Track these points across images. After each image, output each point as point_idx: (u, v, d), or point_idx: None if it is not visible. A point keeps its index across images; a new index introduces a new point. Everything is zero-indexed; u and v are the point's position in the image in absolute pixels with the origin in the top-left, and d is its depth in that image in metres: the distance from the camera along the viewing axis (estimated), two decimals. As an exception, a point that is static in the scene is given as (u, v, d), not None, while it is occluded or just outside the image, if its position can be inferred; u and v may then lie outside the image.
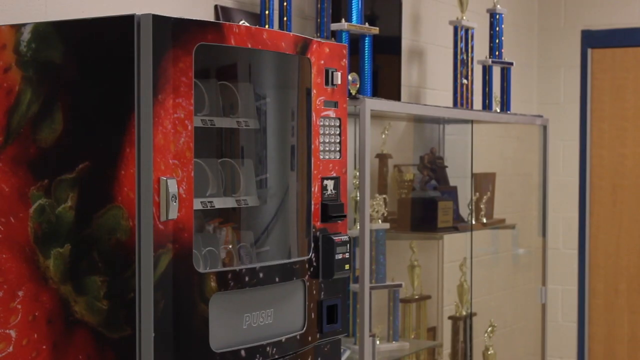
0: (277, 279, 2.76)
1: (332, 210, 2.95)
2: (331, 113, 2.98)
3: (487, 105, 5.09)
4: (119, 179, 2.48)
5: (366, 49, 4.07)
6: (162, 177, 2.44)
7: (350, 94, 3.84)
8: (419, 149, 5.03)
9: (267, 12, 3.69)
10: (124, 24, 2.47)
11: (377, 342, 4.10)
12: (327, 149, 2.96)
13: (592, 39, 6.31)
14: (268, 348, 2.71)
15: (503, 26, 5.19)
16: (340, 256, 2.94)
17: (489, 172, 5.30)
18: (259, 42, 2.71)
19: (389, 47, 4.65)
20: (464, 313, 5.00)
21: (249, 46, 2.68)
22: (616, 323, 6.29)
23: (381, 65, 4.46)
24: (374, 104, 3.88)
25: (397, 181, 4.76)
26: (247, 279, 2.66)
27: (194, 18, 2.55)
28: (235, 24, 2.69)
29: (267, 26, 3.68)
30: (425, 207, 4.77)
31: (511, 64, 5.22)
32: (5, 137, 2.66)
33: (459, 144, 5.07)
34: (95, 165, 2.53)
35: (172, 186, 2.45)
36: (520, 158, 5.74)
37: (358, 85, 3.98)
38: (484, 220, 5.14)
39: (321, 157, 2.94)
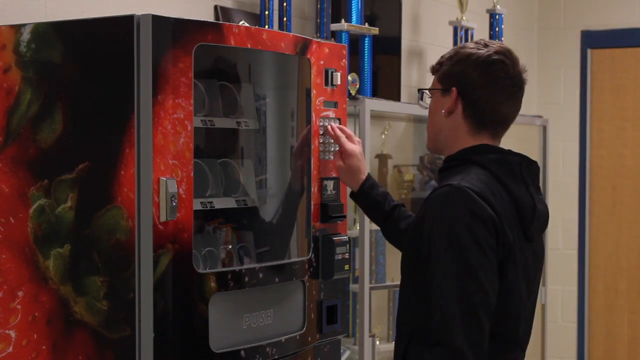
0: (276, 279, 2.76)
1: (332, 211, 2.95)
2: (331, 113, 2.98)
3: (487, 106, 5.09)
4: (118, 179, 2.48)
5: (366, 49, 4.07)
6: (161, 177, 2.44)
7: (350, 94, 3.84)
8: (419, 149, 5.03)
9: (266, 12, 3.69)
10: (124, 24, 2.47)
11: (377, 342, 4.10)
12: (326, 149, 2.96)
13: (592, 40, 6.31)
14: (268, 348, 2.71)
15: (503, 26, 5.19)
16: (340, 256, 2.94)
17: (489, 172, 5.29)
18: (258, 43, 2.71)
19: (388, 48, 4.65)
20: (464, 313, 4.99)
21: (249, 46, 2.68)
22: (616, 323, 6.29)
23: (381, 65, 4.46)
24: (373, 104, 3.88)
25: (397, 181, 4.76)
26: (246, 279, 2.66)
27: (193, 18, 2.55)
28: (235, 24, 2.69)
29: (266, 26, 3.68)
30: (425, 207, 4.76)
31: (511, 64, 5.20)
32: (5, 137, 2.66)
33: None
34: (95, 165, 2.53)
35: (172, 186, 2.45)
36: (520, 158, 5.73)
37: (358, 86, 3.98)
38: (484, 221, 5.13)
39: (321, 157, 2.94)
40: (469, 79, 2.40)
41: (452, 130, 2.44)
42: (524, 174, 2.40)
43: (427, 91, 2.55)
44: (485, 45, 2.43)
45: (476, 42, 2.47)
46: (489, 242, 2.24)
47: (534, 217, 2.38)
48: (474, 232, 2.23)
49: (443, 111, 2.43)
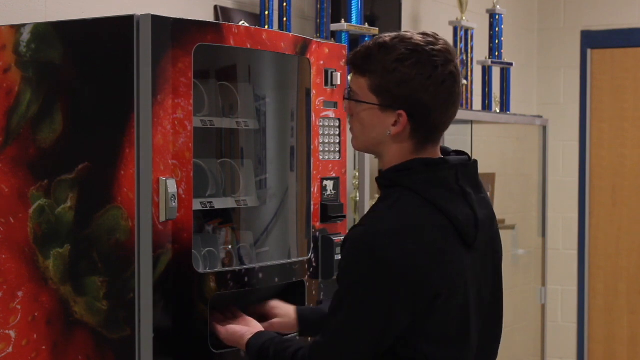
0: (276, 280, 2.76)
1: (332, 211, 2.95)
2: (331, 113, 2.97)
3: (486, 106, 5.10)
4: (118, 179, 2.48)
5: (366, 49, 4.06)
6: (161, 177, 2.44)
7: (350, 94, 3.83)
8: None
9: (266, 12, 3.69)
10: (124, 24, 2.47)
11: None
12: (326, 149, 2.96)
13: (592, 40, 6.31)
14: (268, 348, 2.71)
15: (503, 26, 5.19)
16: (340, 257, 2.94)
17: (489, 172, 5.30)
18: (258, 43, 2.71)
19: (388, 48, 4.64)
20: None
21: (249, 46, 2.68)
22: (616, 323, 6.29)
23: (381, 65, 4.45)
24: (373, 104, 3.86)
25: (397, 181, 4.76)
26: (246, 279, 2.66)
27: (193, 18, 2.55)
28: (235, 25, 2.69)
29: (266, 26, 3.68)
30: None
31: (511, 64, 5.22)
32: (5, 138, 2.66)
33: (458, 144, 5.06)
34: (94, 165, 2.53)
35: (172, 186, 2.45)
36: (520, 158, 5.74)
37: (358, 86, 3.97)
38: (484, 221, 5.13)
39: (321, 157, 2.94)
40: (421, 103, 2.14)
41: (394, 147, 2.20)
42: (461, 183, 2.20)
43: (358, 100, 2.22)
44: (431, 55, 2.13)
45: (413, 51, 2.13)
46: (398, 294, 2.10)
47: (477, 232, 2.20)
48: (377, 286, 2.10)
49: (389, 133, 2.17)
